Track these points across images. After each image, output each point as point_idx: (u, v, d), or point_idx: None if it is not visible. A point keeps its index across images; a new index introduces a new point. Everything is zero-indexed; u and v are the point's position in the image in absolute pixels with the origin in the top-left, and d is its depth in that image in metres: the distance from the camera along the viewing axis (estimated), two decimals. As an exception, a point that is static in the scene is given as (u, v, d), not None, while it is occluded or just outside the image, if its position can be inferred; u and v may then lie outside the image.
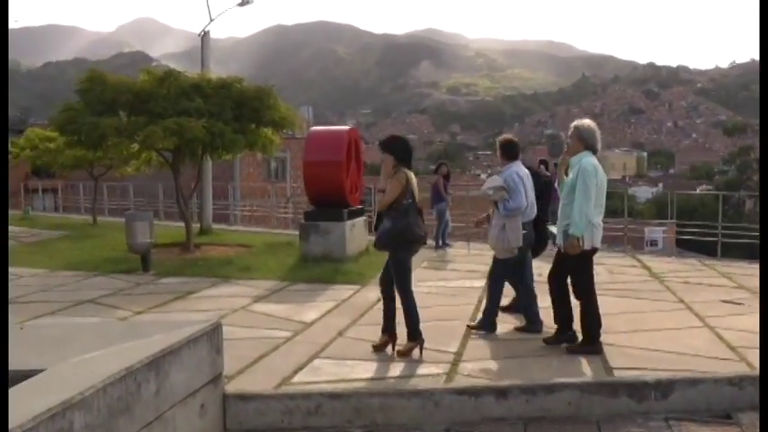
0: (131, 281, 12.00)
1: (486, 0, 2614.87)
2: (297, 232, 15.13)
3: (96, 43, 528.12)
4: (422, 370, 6.45)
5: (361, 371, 6.43)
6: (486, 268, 12.48)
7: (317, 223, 13.69)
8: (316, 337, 7.65)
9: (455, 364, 6.61)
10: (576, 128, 7.05)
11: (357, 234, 14.27)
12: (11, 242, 18.90)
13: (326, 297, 10.12)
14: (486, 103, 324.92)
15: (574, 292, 7.07)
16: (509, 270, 8.07)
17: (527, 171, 8.14)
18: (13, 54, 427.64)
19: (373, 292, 10.18)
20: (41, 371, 3.98)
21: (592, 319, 6.92)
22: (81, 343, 4.60)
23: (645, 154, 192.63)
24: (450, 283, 11.51)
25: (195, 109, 14.37)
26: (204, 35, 20.95)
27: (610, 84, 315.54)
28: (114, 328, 5.33)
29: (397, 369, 6.49)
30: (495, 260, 8.09)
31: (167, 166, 16.33)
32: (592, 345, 6.89)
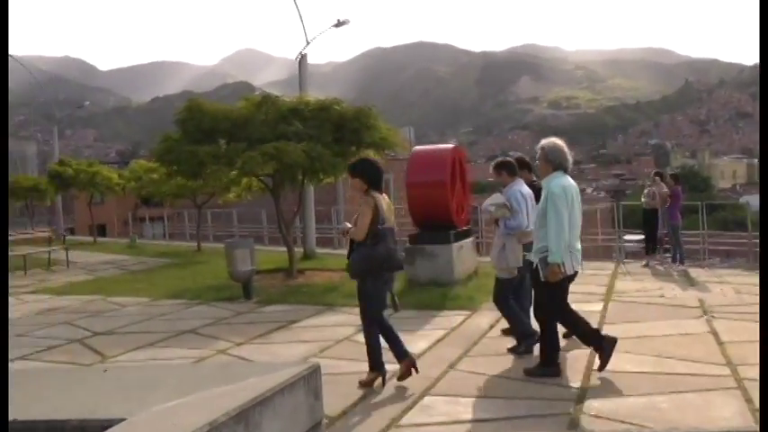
0: (233, 309, 11.72)
1: (583, 12, 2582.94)
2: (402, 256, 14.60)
3: (201, 76, 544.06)
4: (544, 409, 5.79)
5: (478, 410, 5.82)
6: (604, 289, 11.89)
7: (422, 246, 13.12)
8: (426, 370, 7.06)
9: (579, 402, 5.92)
10: (542, 148, 6.86)
11: (465, 256, 13.65)
12: (117, 270, 19.18)
13: (435, 325, 9.54)
14: (588, 116, 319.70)
15: (537, 309, 6.96)
16: (511, 290, 7.92)
17: (530, 191, 8.01)
18: (124, 91, 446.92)
19: (485, 318, 9.61)
20: (122, 420, 3.57)
21: (552, 341, 6.79)
22: (168, 388, 4.16)
23: (756, 160, 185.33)
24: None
25: (294, 133, 14.08)
26: (301, 59, 20.83)
27: (715, 88, 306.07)
28: (204, 372, 4.87)
29: (516, 408, 5.85)
30: (497, 280, 7.99)
31: (269, 191, 16.12)
32: (549, 366, 6.71)
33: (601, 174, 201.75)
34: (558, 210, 6.51)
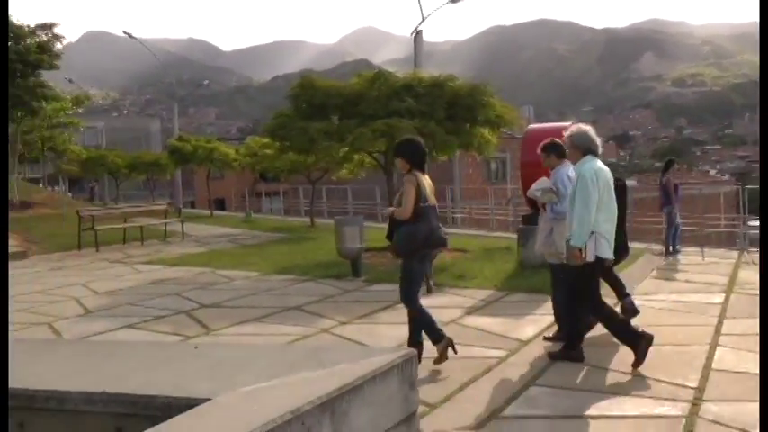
0: (340, 287, 11.57)
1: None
2: (515, 236, 14.14)
3: (321, 55, 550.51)
4: (657, 408, 5.36)
5: (582, 404, 5.45)
6: (726, 280, 11.18)
7: (534, 227, 12.65)
8: (533, 358, 6.71)
9: (695, 404, 5.41)
10: (569, 137, 6.85)
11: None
12: (230, 244, 19.42)
13: (546, 310, 9.08)
14: (713, 94, 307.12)
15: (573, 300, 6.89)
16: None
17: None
18: (245, 71, 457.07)
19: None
20: (207, 400, 3.41)
21: (574, 325, 6.77)
22: (256, 370, 3.99)
23: None
24: (685, 296, 10.08)
25: (406, 109, 13.82)
26: (417, 35, 20.55)
27: None
28: (295, 354, 4.67)
29: (629, 406, 5.43)
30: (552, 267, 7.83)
31: (381, 168, 15.92)
32: (572, 350, 6.66)
33: (726, 155, 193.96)
34: (587, 192, 6.42)
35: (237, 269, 14.05)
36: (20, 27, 23.56)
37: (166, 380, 3.82)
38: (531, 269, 11.75)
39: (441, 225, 6.86)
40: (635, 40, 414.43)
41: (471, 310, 9.30)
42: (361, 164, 18.14)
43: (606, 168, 6.76)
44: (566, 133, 6.95)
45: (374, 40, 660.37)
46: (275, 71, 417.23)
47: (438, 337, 6.67)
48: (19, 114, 24.61)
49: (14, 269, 15.48)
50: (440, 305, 9.55)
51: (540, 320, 8.53)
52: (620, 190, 8.18)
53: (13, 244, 18.85)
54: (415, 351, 4.09)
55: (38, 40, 23.82)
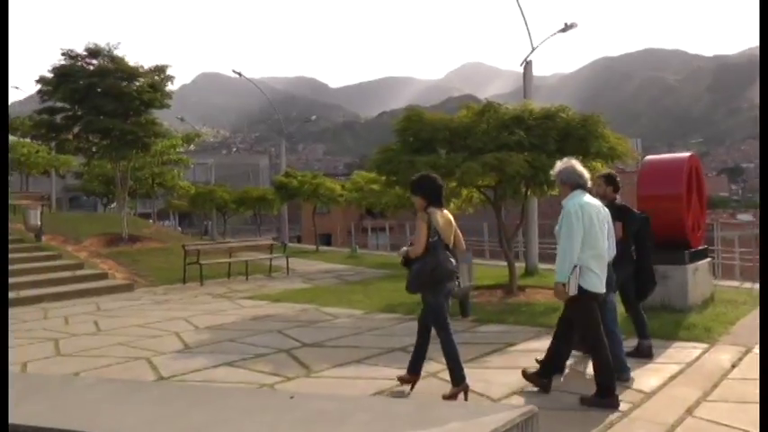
0: (447, 328, 11.04)
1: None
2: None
3: (427, 90, 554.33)
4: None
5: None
6: None
7: (654, 267, 11.90)
8: (659, 413, 6.06)
9: None
10: (557, 173, 6.98)
11: (700, 280, 12.26)
12: (334, 280, 19.19)
13: (668, 358, 8.38)
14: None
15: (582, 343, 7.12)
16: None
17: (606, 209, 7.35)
18: (352, 107, 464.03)
19: (726, 354, 8.42)
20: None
21: (602, 369, 6.49)
22: (356, 425, 3.58)
23: None
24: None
25: (516, 142, 13.29)
26: (526, 65, 20.04)
27: None
28: (399, 409, 4.22)
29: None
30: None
31: (490, 203, 15.41)
32: (604, 397, 6.39)
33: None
34: (570, 227, 6.48)
35: (341, 306, 13.75)
36: (134, 68, 24.22)
37: (259, 433, 3.47)
38: (648, 311, 10.89)
39: (451, 258, 6.90)
40: (747, 67, 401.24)
41: (587, 356, 8.63)
42: (469, 199, 17.64)
43: (596, 203, 6.84)
44: (553, 170, 7.07)
45: (481, 75, 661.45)
46: (382, 107, 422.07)
47: (461, 378, 6.75)
48: (134, 151, 25.21)
49: (120, 301, 15.64)
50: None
51: (662, 369, 7.84)
52: (645, 223, 8.69)
53: (120, 276, 19.12)
54: (535, 409, 3.58)
55: (150, 80, 24.41)
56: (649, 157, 14.61)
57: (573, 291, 6.42)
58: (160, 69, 24.89)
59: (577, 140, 13.60)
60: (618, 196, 8.61)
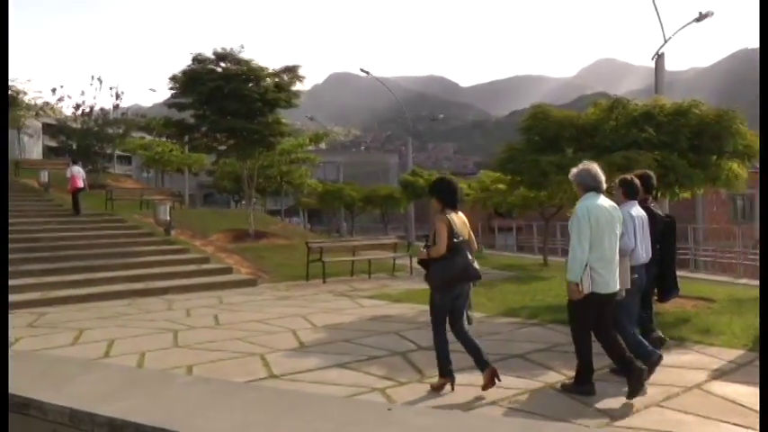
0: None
1: None
2: (766, 284, 12.43)
3: (559, 89, 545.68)
4: None
5: None
6: None
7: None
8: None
9: None
10: (572, 176, 7.19)
11: None
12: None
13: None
14: None
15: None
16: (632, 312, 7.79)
17: (643, 213, 8.03)
18: (483, 106, 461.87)
19: None
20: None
21: (580, 359, 7.19)
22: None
23: None
24: None
25: (645, 140, 12.65)
26: (658, 58, 19.17)
27: None
28: (510, 429, 3.89)
29: None
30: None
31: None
32: (581, 384, 7.11)
33: None
34: (578, 229, 6.76)
35: (463, 309, 13.42)
36: (261, 69, 24.71)
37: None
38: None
39: (475, 259, 7.25)
40: None
41: (718, 374, 7.96)
42: (598, 200, 17.01)
43: (607, 205, 6.98)
44: (570, 173, 7.25)
45: (614, 71, 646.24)
46: (513, 106, 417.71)
47: (444, 374, 7.30)
48: (259, 150, 25.73)
49: (242, 296, 15.87)
50: (682, 364, 8.39)
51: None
52: (668, 227, 8.87)
53: (244, 271, 19.45)
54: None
55: (277, 80, 24.85)
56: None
57: (587, 289, 6.70)
58: (290, 70, 25.26)
59: (711, 138, 12.86)
60: (650, 197, 8.92)
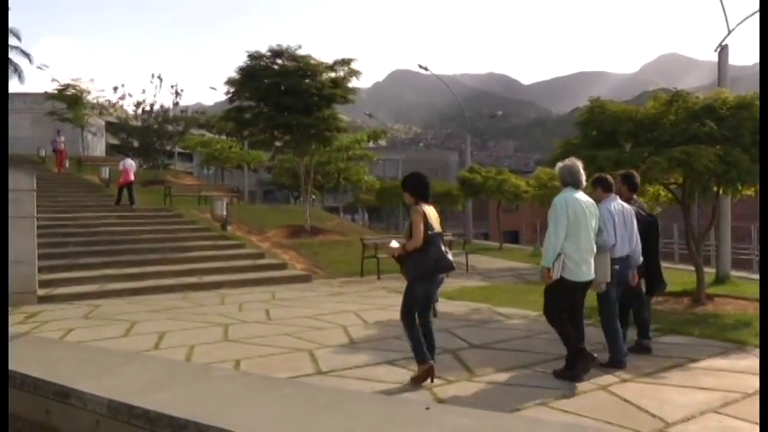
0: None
1: None
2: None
3: (621, 85, 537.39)
4: None
5: None
6: None
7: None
8: None
9: None
10: (556, 172, 7.83)
11: None
12: (513, 279, 18.84)
13: None
14: None
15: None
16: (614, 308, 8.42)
17: (623, 206, 8.43)
18: (544, 103, 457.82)
19: None
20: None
21: (566, 346, 7.61)
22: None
23: None
24: None
25: (706, 134, 12.23)
26: (721, 50, 18.58)
27: None
28: (544, 430, 3.76)
29: None
30: (598, 297, 8.37)
31: (678, 202, 14.33)
32: (569, 369, 7.50)
33: None
34: (555, 219, 7.27)
35: (516, 307, 13.26)
36: (317, 64, 24.73)
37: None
38: None
39: (448, 250, 7.49)
40: None
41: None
42: (655, 197, 16.54)
43: (584, 199, 7.54)
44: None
45: (677, 66, 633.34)
46: (575, 103, 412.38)
47: (423, 359, 7.36)
48: (314, 145, 25.81)
49: (295, 291, 15.91)
50: (740, 369, 8.10)
51: None
52: (650, 226, 9.23)
53: (299, 267, 19.50)
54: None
55: (333, 75, 24.87)
56: None
57: (556, 275, 7.23)
58: (345, 62, 25.20)
59: (773, 132, 12.38)
60: (635, 196, 9.43)
